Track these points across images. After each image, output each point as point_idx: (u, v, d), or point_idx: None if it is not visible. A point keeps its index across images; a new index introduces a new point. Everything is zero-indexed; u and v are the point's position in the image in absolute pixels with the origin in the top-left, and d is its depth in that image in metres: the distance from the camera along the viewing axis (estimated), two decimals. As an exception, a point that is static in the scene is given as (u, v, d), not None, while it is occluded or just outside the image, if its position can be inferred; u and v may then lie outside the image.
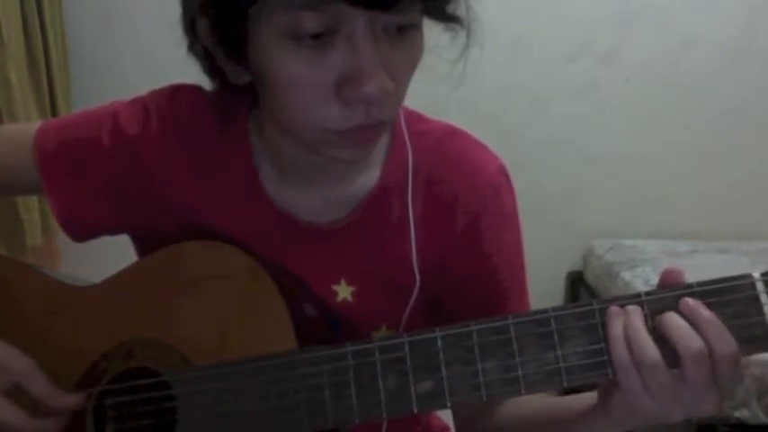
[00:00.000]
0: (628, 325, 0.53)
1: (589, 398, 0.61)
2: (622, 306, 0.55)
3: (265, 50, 0.55)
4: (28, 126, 0.75)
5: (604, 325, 0.55)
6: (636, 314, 0.54)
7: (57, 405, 0.64)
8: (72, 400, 0.65)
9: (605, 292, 2.12)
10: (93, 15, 2.09)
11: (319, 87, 0.54)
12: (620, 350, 0.53)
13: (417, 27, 0.57)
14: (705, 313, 0.52)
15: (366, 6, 0.51)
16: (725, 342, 0.52)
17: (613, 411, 0.57)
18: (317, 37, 0.53)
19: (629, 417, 0.56)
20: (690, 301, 0.53)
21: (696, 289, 0.54)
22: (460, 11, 0.59)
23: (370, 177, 0.69)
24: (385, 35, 0.54)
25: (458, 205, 0.69)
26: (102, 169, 0.71)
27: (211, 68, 0.64)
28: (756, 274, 0.54)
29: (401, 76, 0.57)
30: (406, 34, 0.55)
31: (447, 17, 0.59)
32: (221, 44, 0.58)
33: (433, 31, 0.60)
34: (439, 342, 0.57)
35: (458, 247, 0.69)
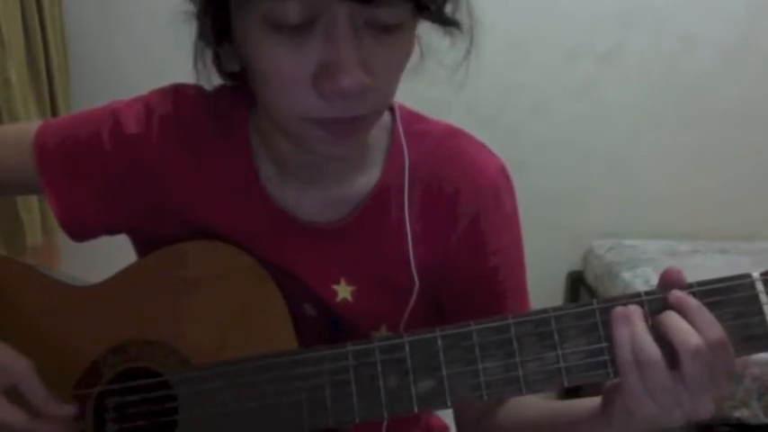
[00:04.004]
0: (630, 326, 0.53)
1: (593, 401, 0.61)
2: (623, 305, 0.55)
3: (247, 37, 0.55)
4: (28, 126, 0.75)
5: (607, 324, 0.55)
6: (637, 314, 0.54)
7: (50, 414, 0.64)
8: (66, 410, 0.65)
9: (605, 292, 2.12)
10: (93, 15, 2.09)
11: (297, 76, 0.54)
12: (625, 352, 0.53)
13: (404, 27, 0.55)
14: (692, 301, 0.53)
15: None
16: (712, 327, 0.52)
17: (614, 415, 0.57)
18: (297, 26, 0.52)
19: (629, 421, 0.56)
20: (677, 292, 0.54)
21: (696, 289, 0.54)
22: (459, 15, 0.59)
23: (370, 177, 0.69)
24: (370, 30, 0.53)
25: (458, 205, 0.69)
26: (102, 168, 0.71)
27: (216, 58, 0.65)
28: (756, 274, 0.54)
29: (383, 73, 0.56)
30: (393, 33, 0.55)
31: (443, 20, 0.58)
32: (209, 30, 0.59)
33: (434, 33, 0.60)
34: (439, 342, 0.57)
35: (458, 246, 0.69)
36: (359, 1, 0.50)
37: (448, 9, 0.58)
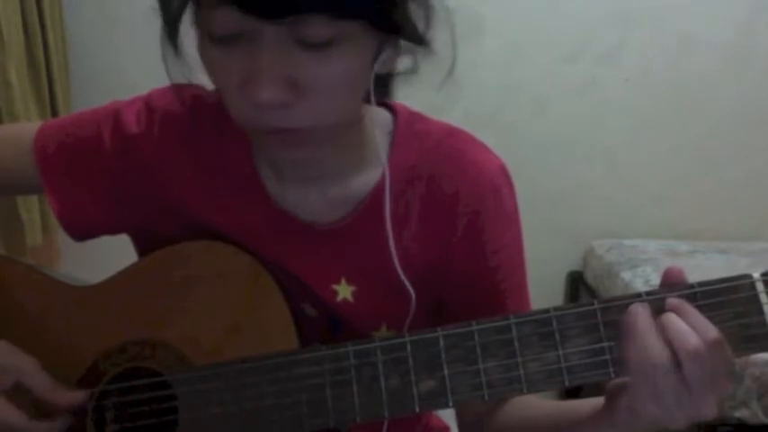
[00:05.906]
0: (641, 328, 0.53)
1: (596, 401, 0.61)
2: (624, 305, 0.55)
3: (198, 43, 0.57)
4: (28, 126, 0.75)
5: (608, 324, 0.55)
6: (647, 317, 0.54)
7: (59, 402, 0.64)
8: (75, 396, 0.66)
9: (605, 292, 2.12)
10: (93, 16, 2.09)
11: (227, 84, 0.55)
12: (637, 355, 0.53)
13: (342, 43, 0.53)
14: (686, 306, 0.53)
15: (258, 15, 0.50)
16: (707, 328, 0.52)
17: (618, 417, 0.57)
18: (226, 37, 0.53)
19: (633, 423, 0.56)
20: (673, 299, 0.54)
21: (697, 289, 0.55)
22: (434, 32, 0.58)
23: (370, 177, 0.69)
24: (302, 47, 0.52)
25: (458, 205, 0.69)
26: (102, 168, 0.71)
27: None
28: (756, 275, 0.54)
29: (318, 89, 0.54)
30: (330, 49, 0.53)
31: (409, 37, 0.58)
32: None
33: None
34: (441, 342, 0.57)
35: (459, 246, 0.69)
36: (268, 19, 0.50)
37: (420, 27, 0.58)
